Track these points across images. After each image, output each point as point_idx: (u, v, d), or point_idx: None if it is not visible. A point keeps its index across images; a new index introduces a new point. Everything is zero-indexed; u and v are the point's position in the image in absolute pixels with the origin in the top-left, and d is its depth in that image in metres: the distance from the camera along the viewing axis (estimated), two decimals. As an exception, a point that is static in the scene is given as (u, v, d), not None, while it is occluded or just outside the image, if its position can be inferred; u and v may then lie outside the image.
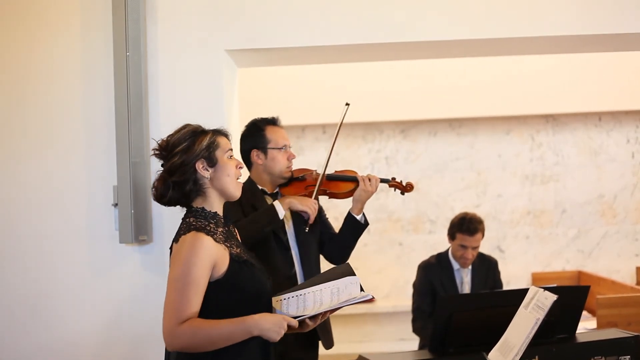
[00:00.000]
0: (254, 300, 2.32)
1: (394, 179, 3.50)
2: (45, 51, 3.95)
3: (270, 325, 2.25)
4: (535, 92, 6.45)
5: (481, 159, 6.79)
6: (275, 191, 3.44)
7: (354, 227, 3.43)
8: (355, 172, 3.50)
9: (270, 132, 3.44)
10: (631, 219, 6.80)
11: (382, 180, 3.43)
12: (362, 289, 2.53)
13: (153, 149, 2.45)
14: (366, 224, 3.46)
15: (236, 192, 2.46)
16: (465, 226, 4.43)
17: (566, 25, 3.98)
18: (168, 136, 2.44)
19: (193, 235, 2.27)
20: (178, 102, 3.91)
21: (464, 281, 4.54)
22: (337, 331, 6.49)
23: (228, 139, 2.50)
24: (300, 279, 3.33)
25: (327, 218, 3.60)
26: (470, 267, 4.54)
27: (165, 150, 2.41)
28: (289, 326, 2.30)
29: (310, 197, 3.36)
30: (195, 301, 2.23)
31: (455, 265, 4.53)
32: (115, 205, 3.82)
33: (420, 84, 6.40)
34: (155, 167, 2.53)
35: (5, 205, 3.93)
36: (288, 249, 3.36)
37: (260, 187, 3.42)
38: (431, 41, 4.01)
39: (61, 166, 3.92)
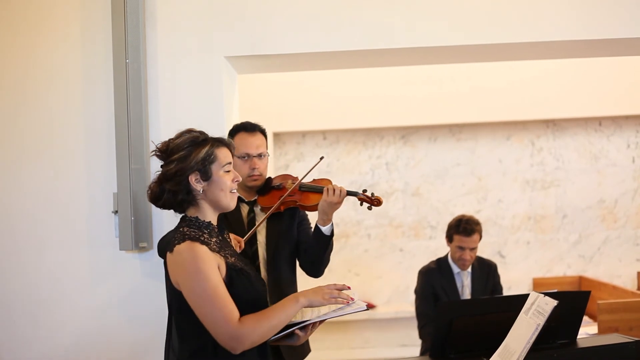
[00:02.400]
0: (251, 308, 2.32)
1: (364, 191, 3.33)
2: (45, 58, 3.95)
3: (312, 294, 2.38)
4: (536, 97, 6.45)
5: (482, 165, 6.79)
6: (253, 199, 3.42)
7: (319, 238, 3.28)
8: (329, 182, 3.35)
9: (236, 139, 3.39)
10: (632, 223, 6.80)
11: (350, 193, 3.26)
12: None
13: (152, 150, 2.43)
14: (331, 235, 3.29)
15: (230, 205, 2.44)
16: (462, 227, 4.47)
17: (566, 30, 3.98)
18: (170, 139, 2.42)
19: (188, 245, 2.25)
20: (178, 108, 3.92)
21: (464, 284, 4.55)
22: (338, 337, 6.53)
23: (230, 149, 2.47)
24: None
25: (311, 228, 3.49)
26: (470, 270, 4.56)
27: (165, 153, 2.39)
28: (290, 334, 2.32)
29: (282, 208, 3.31)
30: (231, 301, 2.25)
31: (455, 269, 4.55)
32: (116, 212, 3.83)
33: (420, 89, 6.41)
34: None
35: (5, 212, 3.93)
36: (254, 260, 3.32)
37: (238, 195, 3.40)
38: (432, 47, 4.02)
39: (61, 173, 3.92)
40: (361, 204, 3.35)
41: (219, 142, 2.43)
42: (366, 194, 3.31)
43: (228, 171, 2.42)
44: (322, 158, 3.49)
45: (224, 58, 3.97)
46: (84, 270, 3.90)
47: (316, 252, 3.33)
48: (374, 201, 3.29)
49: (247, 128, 3.42)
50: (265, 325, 2.27)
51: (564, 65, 6.17)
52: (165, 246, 2.37)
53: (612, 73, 6.38)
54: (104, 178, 3.89)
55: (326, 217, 3.24)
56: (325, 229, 3.26)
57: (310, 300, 2.37)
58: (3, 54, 3.97)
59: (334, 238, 3.33)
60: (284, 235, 3.38)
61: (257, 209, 3.39)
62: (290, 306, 2.33)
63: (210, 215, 2.41)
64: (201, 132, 2.43)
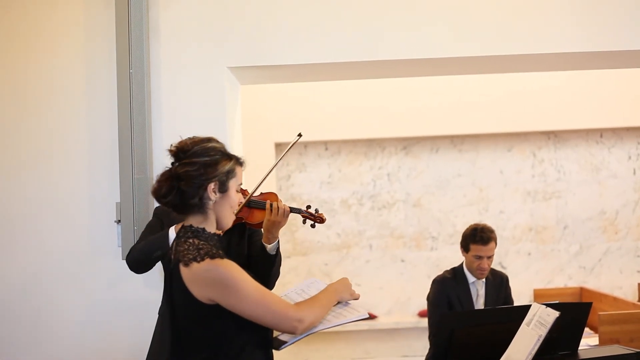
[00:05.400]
0: None
1: (308, 207, 3.25)
2: (48, 69, 3.97)
3: (343, 288, 2.51)
4: (537, 108, 6.47)
5: (483, 176, 6.80)
6: None
7: (263, 256, 3.19)
8: (275, 197, 3.24)
9: None
10: (633, 235, 6.80)
11: (293, 210, 3.16)
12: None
13: (172, 145, 2.36)
14: (276, 254, 3.19)
15: (229, 224, 2.45)
16: (479, 236, 4.47)
17: (569, 43, 4.00)
18: (192, 141, 2.36)
19: (210, 263, 2.23)
20: (181, 119, 3.94)
21: (479, 294, 4.55)
22: (339, 347, 6.52)
23: (242, 171, 2.47)
24: None
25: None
26: (484, 280, 4.56)
27: (185, 153, 2.33)
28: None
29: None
30: (271, 292, 2.33)
31: (470, 278, 4.54)
32: (118, 221, 3.84)
33: (422, 100, 6.43)
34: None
35: (8, 220, 3.94)
36: None
37: None
38: (434, 58, 4.03)
39: (64, 183, 3.94)
40: (304, 222, 3.27)
41: (239, 160, 2.44)
42: (309, 210, 3.24)
43: (237, 192, 2.44)
44: (300, 135, 3.39)
45: (226, 69, 3.99)
46: (86, 278, 3.91)
47: (262, 268, 3.22)
48: (316, 218, 3.23)
49: None
50: (317, 307, 2.38)
51: (565, 77, 6.19)
52: (174, 255, 2.35)
53: (613, 85, 6.40)
54: (106, 187, 3.90)
55: (271, 236, 3.16)
56: (270, 247, 3.18)
57: (342, 296, 2.50)
58: (6, 63, 3.99)
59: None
60: (233, 250, 3.29)
61: None
62: (332, 295, 2.47)
63: (214, 227, 2.41)
64: (223, 146, 2.42)
